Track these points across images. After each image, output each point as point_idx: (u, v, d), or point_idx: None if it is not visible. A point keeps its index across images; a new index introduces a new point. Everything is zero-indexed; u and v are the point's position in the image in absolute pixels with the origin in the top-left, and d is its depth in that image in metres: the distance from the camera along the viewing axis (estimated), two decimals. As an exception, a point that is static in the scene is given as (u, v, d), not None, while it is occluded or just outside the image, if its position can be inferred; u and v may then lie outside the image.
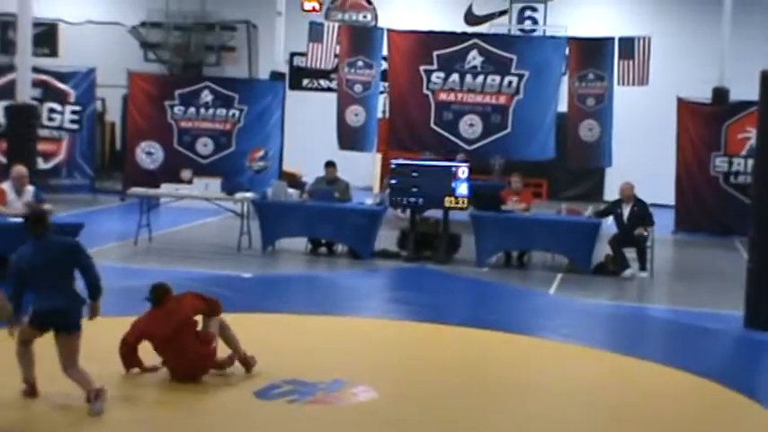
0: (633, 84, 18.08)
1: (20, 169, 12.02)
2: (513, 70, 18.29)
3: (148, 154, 19.93)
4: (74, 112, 20.54)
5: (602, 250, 14.68)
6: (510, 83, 18.33)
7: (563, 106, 18.70)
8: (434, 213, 15.49)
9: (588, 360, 9.29)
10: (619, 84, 18.16)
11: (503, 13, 25.78)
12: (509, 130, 18.33)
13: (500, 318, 10.91)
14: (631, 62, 17.95)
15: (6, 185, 12.00)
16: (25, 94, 14.51)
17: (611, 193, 20.88)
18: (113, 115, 25.25)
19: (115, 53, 25.00)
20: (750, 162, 17.16)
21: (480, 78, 18.38)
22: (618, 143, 19.02)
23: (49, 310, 6.88)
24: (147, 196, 15.83)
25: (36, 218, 7.03)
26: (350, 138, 18.98)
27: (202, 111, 19.79)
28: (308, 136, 23.14)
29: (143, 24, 26.58)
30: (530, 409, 7.64)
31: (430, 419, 7.26)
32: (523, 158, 18.79)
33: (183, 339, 7.52)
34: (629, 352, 9.49)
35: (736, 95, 19.99)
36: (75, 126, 20.54)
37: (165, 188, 16.22)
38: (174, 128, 19.82)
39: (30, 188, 12.01)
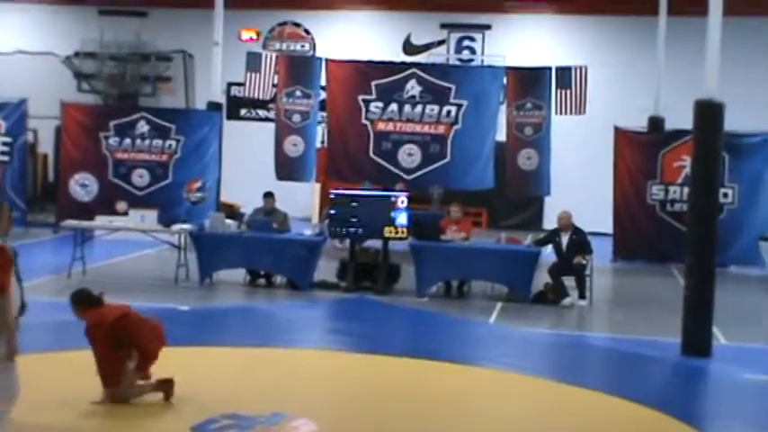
0: (570, 113, 18.34)
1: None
2: (451, 99, 18.46)
3: (82, 186, 19.71)
4: (4, 144, 20.34)
5: (542, 279, 14.81)
6: (449, 112, 18.49)
7: (501, 135, 18.89)
8: (374, 243, 15.54)
9: (528, 389, 9.34)
10: (556, 113, 18.42)
11: (441, 42, 26.03)
12: (448, 159, 18.46)
13: (440, 347, 10.93)
14: (568, 91, 18.22)
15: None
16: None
17: (550, 221, 21.08)
18: (46, 146, 24.98)
19: (48, 83, 24.83)
20: (686, 190, 17.52)
21: (419, 108, 18.53)
22: (556, 172, 19.29)
23: None
24: (81, 229, 15.70)
25: None
26: (288, 168, 18.96)
27: (138, 141, 19.65)
28: (247, 166, 23.07)
29: (77, 54, 26.43)
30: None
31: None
32: (462, 188, 18.91)
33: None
34: (569, 380, 9.55)
35: (671, 124, 20.38)
36: (5, 158, 20.29)
37: (100, 220, 16.03)
38: (108, 159, 19.65)
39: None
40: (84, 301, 7.83)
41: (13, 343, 6.22)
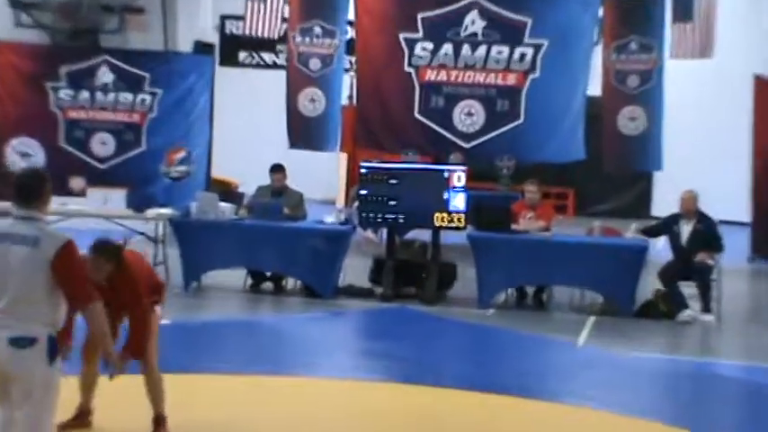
0: (691, 56, 18.30)
1: None
2: (526, 39, 18.54)
3: (23, 155, 19.87)
4: None
5: (651, 284, 14.85)
6: (523, 56, 18.59)
7: (595, 88, 18.92)
8: (420, 235, 15.74)
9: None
10: (671, 56, 18.41)
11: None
12: (521, 121, 18.60)
13: (510, 377, 11.02)
14: (689, 26, 18.14)
15: None
16: None
17: (660, 207, 21.05)
18: None
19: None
20: None
21: (482, 50, 18.63)
22: (671, 138, 19.22)
23: None
24: None
25: None
26: (304, 132, 19.15)
27: (99, 95, 19.87)
28: (248, 130, 23.36)
29: (14, -25, 26.65)
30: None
31: None
32: (542, 160, 19.04)
33: None
34: (687, 424, 9.48)
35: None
36: None
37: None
38: (59, 119, 19.85)
39: None
40: (115, 253, 8.12)
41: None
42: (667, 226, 14.99)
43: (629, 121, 18.62)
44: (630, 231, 15.08)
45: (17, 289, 6.20)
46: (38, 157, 19.88)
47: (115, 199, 15.96)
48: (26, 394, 6.16)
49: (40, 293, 6.24)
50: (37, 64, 20.24)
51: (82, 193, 16.66)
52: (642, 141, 18.64)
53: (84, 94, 19.95)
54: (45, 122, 19.86)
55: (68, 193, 16.99)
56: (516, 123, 18.63)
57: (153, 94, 19.88)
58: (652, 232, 15.12)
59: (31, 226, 6.30)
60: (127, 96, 19.90)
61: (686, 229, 14.69)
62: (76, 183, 17.44)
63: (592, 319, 14.33)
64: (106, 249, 8.03)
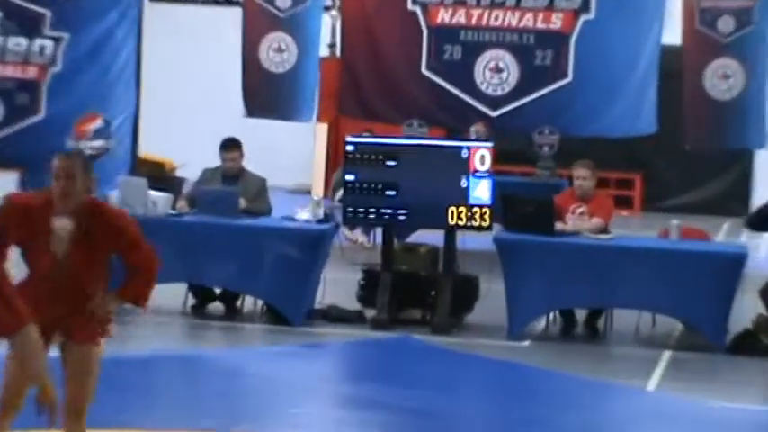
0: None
1: None
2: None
3: None
4: None
5: (750, 308, 15.02)
6: (571, -9, 18.71)
7: (672, 35, 19.05)
8: (428, 237, 15.99)
9: None
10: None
11: None
12: (569, 80, 18.78)
13: None
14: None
15: None
16: None
17: (764, 197, 21.05)
18: None
19: None
20: None
21: (511, -17, 18.73)
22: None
23: None
24: None
25: None
26: (267, 95, 19.37)
27: (-18, 41, 19.90)
28: (188, 92, 23.50)
29: None
30: None
31: None
32: (597, 134, 19.19)
33: None
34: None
35: None
36: None
37: None
38: None
39: None
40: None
41: None
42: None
43: (721, 79, 18.66)
44: (720, 234, 15.13)
45: None
46: None
47: (4, 185, 16.18)
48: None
49: None
50: None
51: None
52: (738, 108, 18.69)
53: (-39, 41, 20.06)
54: None
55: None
56: (562, 83, 18.82)
57: (56, 40, 19.95)
58: (760, 222, 15.18)
59: None
60: (19, 42, 20.01)
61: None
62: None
63: (667, 354, 14.44)
64: (75, 153, 8.29)
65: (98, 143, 19.09)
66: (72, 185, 7.71)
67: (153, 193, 15.57)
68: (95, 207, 7.98)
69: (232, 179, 15.76)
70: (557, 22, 18.82)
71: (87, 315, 7.91)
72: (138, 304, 8.31)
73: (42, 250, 7.79)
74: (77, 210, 7.82)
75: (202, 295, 15.67)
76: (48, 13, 20.00)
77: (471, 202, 14.89)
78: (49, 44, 19.91)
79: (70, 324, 7.89)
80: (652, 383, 13.32)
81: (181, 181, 18.01)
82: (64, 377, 7.93)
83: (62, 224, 7.75)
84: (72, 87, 19.92)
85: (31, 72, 19.94)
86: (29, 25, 20.06)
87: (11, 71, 20.08)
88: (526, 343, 14.76)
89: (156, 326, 14.99)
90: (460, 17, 18.90)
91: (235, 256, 15.03)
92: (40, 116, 19.94)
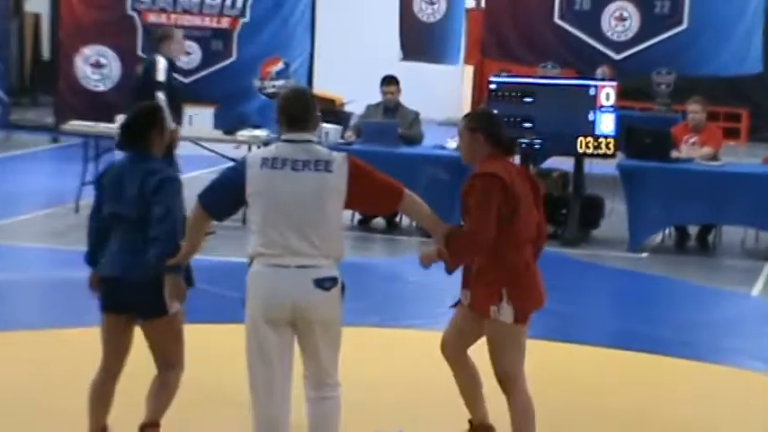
0: None
1: None
2: None
3: (96, 66, 19.64)
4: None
5: None
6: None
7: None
8: (560, 163, 15.17)
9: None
10: None
11: None
12: (685, 26, 18.23)
13: (669, 333, 10.63)
14: None
15: None
16: None
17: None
18: (38, 4, 24.64)
19: None
20: None
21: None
22: None
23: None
24: (94, 135, 15.41)
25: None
26: (420, 41, 19.15)
27: (181, -4, 19.99)
28: (354, 39, 23.22)
29: None
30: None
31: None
32: (710, 73, 18.64)
33: None
34: None
35: None
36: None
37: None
38: (136, 23, 19.52)
39: None
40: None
41: None
42: None
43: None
44: None
45: (313, 221, 6.37)
46: (112, 68, 19.64)
47: (201, 118, 15.36)
48: (326, 342, 6.43)
49: (334, 224, 6.42)
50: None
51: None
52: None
53: (164, -4, 20.37)
54: (121, 28, 19.47)
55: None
56: (678, 29, 18.16)
57: (245, -5, 20.38)
58: None
59: (313, 150, 6.45)
60: (214, -2, 20.33)
61: None
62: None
63: (769, 266, 13.74)
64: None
65: (280, 82, 17.98)
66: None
67: (325, 125, 14.73)
68: None
69: (391, 111, 15.05)
70: (675, -28, 19.33)
71: None
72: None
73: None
74: None
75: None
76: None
77: (597, 132, 13.97)
78: (238, 0, 19.75)
79: None
80: (756, 289, 12.60)
81: (348, 115, 16.95)
82: None
83: None
84: (258, 35, 19.63)
85: (225, 22, 19.75)
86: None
87: (207, 22, 19.79)
88: (644, 255, 13.93)
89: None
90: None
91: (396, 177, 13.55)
92: (233, 59, 19.72)
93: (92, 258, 6.94)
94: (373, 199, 6.69)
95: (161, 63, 13.66)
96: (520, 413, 6.92)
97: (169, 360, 6.97)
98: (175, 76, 14.55)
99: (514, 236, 6.80)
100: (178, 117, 13.33)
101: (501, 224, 6.74)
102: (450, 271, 6.88)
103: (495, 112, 12.89)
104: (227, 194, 6.56)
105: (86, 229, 6.98)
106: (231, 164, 7.84)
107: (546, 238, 7.15)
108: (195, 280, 7.01)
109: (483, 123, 7.07)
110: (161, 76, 13.56)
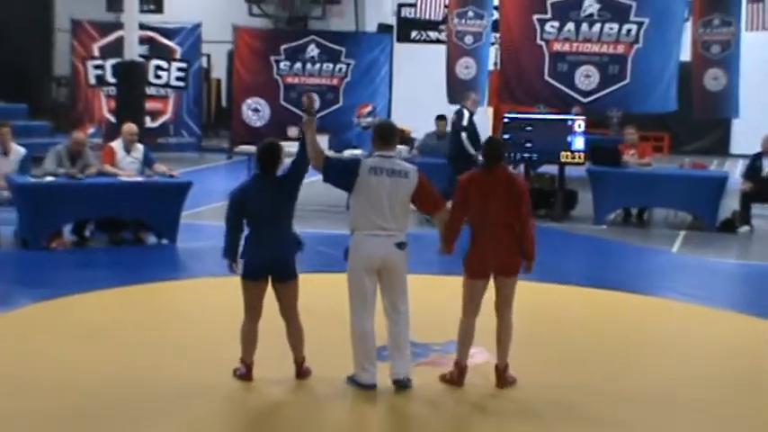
0: (763, 29, 17.48)
1: (131, 126, 12.07)
2: (632, 17, 17.86)
3: (254, 111, 19.99)
4: (180, 69, 20.76)
5: (730, 206, 14.45)
6: (629, 31, 17.92)
7: (686, 55, 18.18)
8: (549, 169, 15.35)
9: (715, 322, 9.06)
10: (747, 29, 17.56)
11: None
12: (628, 81, 17.96)
13: (621, 277, 10.78)
14: (762, 5, 17.35)
15: (116, 144, 12.11)
16: (133, 51, 14.63)
17: (737, 146, 20.24)
18: (218, 72, 25.43)
19: (219, 8, 25.13)
20: None
21: (597, 27, 18.03)
22: (746, 93, 18.33)
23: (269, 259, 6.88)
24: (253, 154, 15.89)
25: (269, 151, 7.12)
26: (459, 91, 18.62)
27: (308, 65, 19.82)
28: (417, 90, 22.90)
29: (247, -22, 26.76)
30: (669, 374, 7.56)
31: (548, 383, 7.16)
32: (643, 111, 18.40)
33: None
34: (759, 313, 9.19)
35: None
36: (181, 83, 20.76)
37: (272, 145, 16.23)
38: (279, 83, 19.81)
39: (139, 146, 12.15)
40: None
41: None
42: (752, 162, 14.48)
43: (713, 80, 17.68)
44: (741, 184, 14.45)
45: (398, 209, 6.71)
46: (264, 111, 19.98)
47: (321, 142, 15.03)
48: (400, 282, 6.79)
49: (405, 210, 6.78)
50: (264, 43, 20.27)
51: (297, 139, 16.53)
52: (723, 95, 17.78)
53: (298, 65, 19.90)
54: (270, 86, 19.97)
55: (287, 138, 16.97)
56: (624, 83, 18.02)
57: (348, 64, 19.77)
58: (747, 173, 14.46)
59: (396, 162, 6.79)
60: (328, 66, 19.81)
61: (766, 164, 14.23)
62: (292, 131, 17.49)
63: (682, 233, 13.91)
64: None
65: (370, 119, 18.72)
66: None
67: (399, 146, 14.62)
68: None
69: (441, 138, 15.42)
70: (620, 49, 18.00)
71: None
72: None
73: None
74: None
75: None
76: (343, 50, 19.72)
77: (573, 149, 14.38)
78: (344, 67, 19.69)
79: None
80: (675, 248, 12.94)
81: (413, 139, 17.49)
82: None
83: None
84: (356, 89, 19.80)
85: (335, 81, 19.68)
86: (333, 56, 19.79)
87: (323, 81, 19.85)
88: (604, 227, 14.22)
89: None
90: (567, 47, 18.21)
91: (443, 179, 14.57)
92: (340, 104, 19.73)
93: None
94: (426, 201, 6.90)
95: (465, 113, 14.07)
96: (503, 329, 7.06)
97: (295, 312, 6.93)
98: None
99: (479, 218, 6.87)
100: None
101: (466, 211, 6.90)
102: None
103: (507, 136, 14.58)
104: (340, 169, 6.94)
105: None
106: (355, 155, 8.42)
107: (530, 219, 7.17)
108: (305, 244, 7.11)
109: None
110: (464, 122, 13.98)
